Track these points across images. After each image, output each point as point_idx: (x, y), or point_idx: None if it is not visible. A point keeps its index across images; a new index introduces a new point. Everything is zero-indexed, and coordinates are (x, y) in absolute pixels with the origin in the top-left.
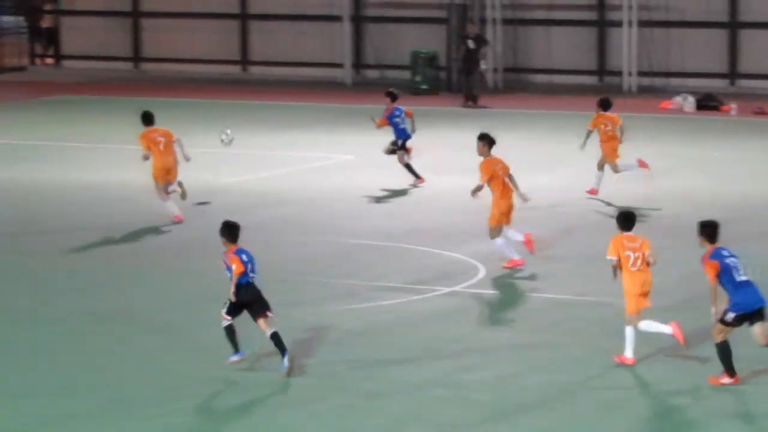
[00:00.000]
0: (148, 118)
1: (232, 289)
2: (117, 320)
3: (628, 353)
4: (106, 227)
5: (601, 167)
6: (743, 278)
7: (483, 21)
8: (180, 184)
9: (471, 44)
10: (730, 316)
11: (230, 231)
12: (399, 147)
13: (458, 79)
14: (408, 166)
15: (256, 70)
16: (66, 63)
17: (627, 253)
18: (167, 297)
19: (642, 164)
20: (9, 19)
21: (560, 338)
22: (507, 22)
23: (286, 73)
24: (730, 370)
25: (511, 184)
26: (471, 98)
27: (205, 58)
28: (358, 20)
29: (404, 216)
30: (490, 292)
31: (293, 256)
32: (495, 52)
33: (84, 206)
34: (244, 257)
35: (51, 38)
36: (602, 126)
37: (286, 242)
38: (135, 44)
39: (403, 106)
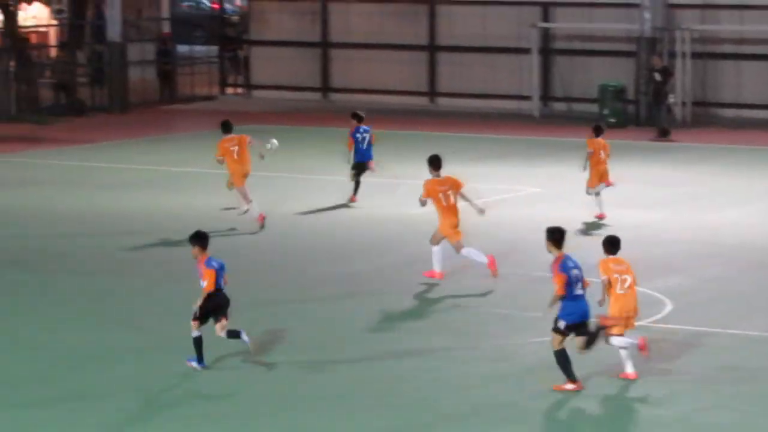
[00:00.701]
0: (226, 127)
1: (199, 302)
2: None
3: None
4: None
5: (597, 191)
6: (579, 292)
7: (672, 54)
8: (231, 183)
9: (657, 77)
10: (562, 324)
11: (201, 240)
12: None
13: (649, 112)
14: (357, 183)
15: (443, 102)
16: (256, 93)
17: (614, 276)
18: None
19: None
20: (201, 49)
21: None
22: (696, 55)
23: (474, 104)
24: (570, 377)
25: (469, 202)
26: (663, 133)
27: (393, 89)
28: (547, 53)
29: (591, 249)
30: (678, 326)
31: (476, 287)
32: (684, 86)
33: (275, 236)
34: (215, 264)
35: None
36: (597, 150)
37: (469, 273)
38: (324, 74)
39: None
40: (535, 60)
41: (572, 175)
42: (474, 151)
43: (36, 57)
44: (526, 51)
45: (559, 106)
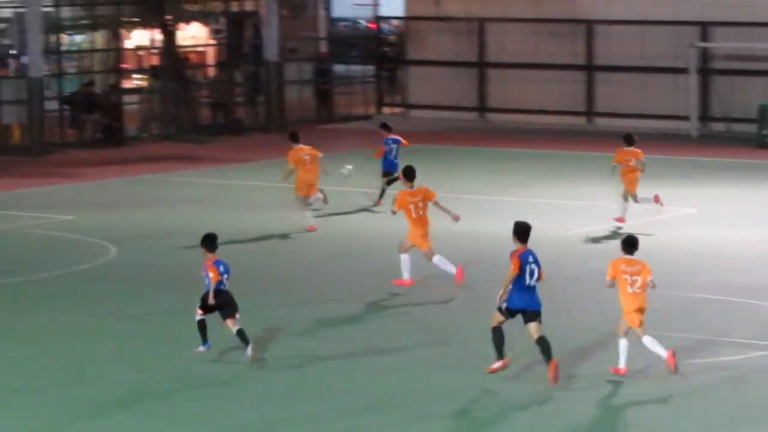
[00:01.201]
0: (294, 137)
1: (212, 294)
2: None
3: (621, 364)
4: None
5: (625, 198)
6: (530, 284)
7: None
8: (321, 191)
9: None
10: (504, 306)
11: (210, 242)
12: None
13: None
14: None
15: (601, 122)
16: (413, 112)
17: (624, 276)
18: None
19: (656, 200)
20: (357, 68)
21: None
22: None
23: (631, 124)
24: (499, 354)
25: (443, 210)
26: None
27: (549, 109)
28: (705, 72)
29: (748, 271)
30: None
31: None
32: None
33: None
34: (221, 268)
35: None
36: (625, 160)
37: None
38: (480, 94)
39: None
40: (693, 80)
41: (729, 195)
42: None
43: (194, 76)
44: (683, 71)
45: (718, 127)
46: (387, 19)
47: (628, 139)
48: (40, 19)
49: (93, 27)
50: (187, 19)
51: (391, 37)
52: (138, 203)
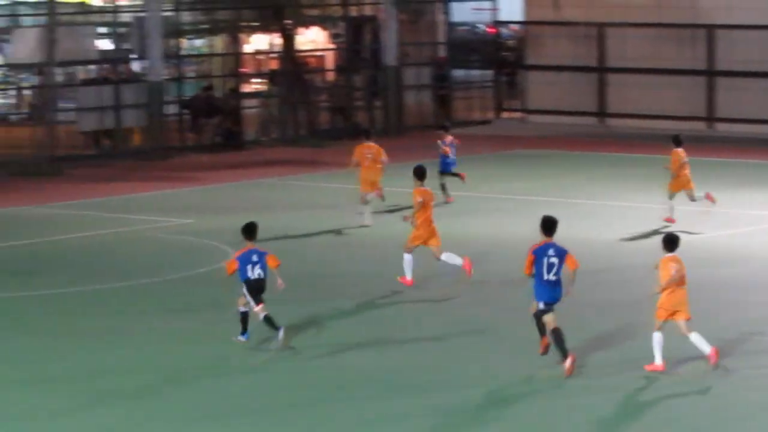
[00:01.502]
0: (366, 134)
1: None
2: None
3: (658, 360)
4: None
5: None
6: (549, 278)
7: None
8: (380, 189)
9: None
10: (540, 304)
11: (247, 231)
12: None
13: None
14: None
15: (722, 127)
16: (532, 117)
17: (673, 273)
18: None
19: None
20: (476, 73)
21: None
22: None
23: (754, 130)
24: (542, 334)
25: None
26: None
27: (669, 114)
28: None
29: None
30: None
31: (754, 317)
32: None
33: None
34: (255, 257)
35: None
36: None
37: (749, 301)
38: (600, 99)
39: None
40: None
41: None
42: (748, 176)
43: (313, 81)
44: None
45: None
46: (506, 23)
47: (677, 141)
48: (160, 23)
49: (212, 31)
50: (307, 23)
51: (510, 42)
52: (256, 207)
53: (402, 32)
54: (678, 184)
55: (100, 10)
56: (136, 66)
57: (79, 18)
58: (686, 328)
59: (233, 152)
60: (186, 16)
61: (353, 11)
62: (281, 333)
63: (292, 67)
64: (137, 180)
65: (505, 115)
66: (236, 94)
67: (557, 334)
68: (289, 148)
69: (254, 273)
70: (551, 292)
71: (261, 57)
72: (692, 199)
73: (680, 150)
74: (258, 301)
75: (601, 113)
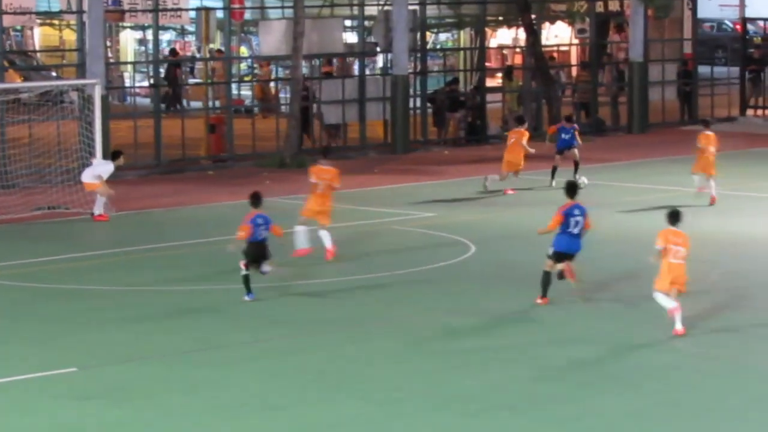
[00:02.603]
0: (520, 120)
1: (231, 246)
2: None
3: (678, 326)
4: None
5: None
6: (573, 231)
7: None
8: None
9: None
10: (550, 251)
11: (254, 198)
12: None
13: None
14: (554, 168)
15: None
16: None
17: (671, 246)
18: None
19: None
20: (722, 70)
21: None
22: None
23: None
24: (543, 294)
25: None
26: None
27: None
28: None
29: None
30: None
31: None
32: None
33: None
34: (260, 220)
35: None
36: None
37: None
38: None
39: None
40: None
41: None
42: None
43: (558, 76)
44: None
45: None
46: (753, 20)
47: (705, 123)
48: (406, 17)
49: (458, 25)
50: (553, 18)
51: (757, 39)
52: (498, 202)
53: (649, 28)
54: (699, 166)
55: (348, 3)
56: (380, 59)
57: (326, 11)
58: (674, 297)
59: (476, 147)
60: (432, 10)
61: (599, 7)
62: (247, 297)
63: (537, 61)
64: (381, 173)
65: (750, 112)
66: (480, 88)
67: (560, 276)
68: (533, 143)
69: (259, 236)
70: (572, 244)
71: (506, 52)
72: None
73: (708, 134)
74: (256, 262)
75: None
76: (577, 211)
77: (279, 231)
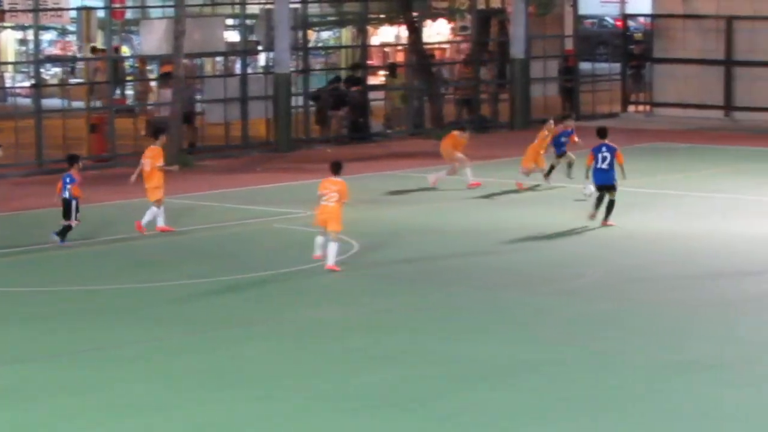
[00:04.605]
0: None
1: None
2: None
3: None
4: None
5: None
6: (602, 166)
7: None
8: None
9: None
10: (593, 186)
11: (69, 159)
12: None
13: None
14: (551, 168)
15: None
16: (658, 110)
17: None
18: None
19: None
20: (603, 66)
21: None
22: None
23: None
24: (595, 209)
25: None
26: None
27: None
28: None
29: None
30: None
31: None
32: None
33: (687, 254)
34: (67, 179)
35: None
36: None
37: None
38: (727, 93)
39: None
40: None
41: None
42: None
43: (439, 73)
44: None
45: None
46: (634, 16)
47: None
48: (288, 15)
49: (340, 23)
50: (434, 15)
51: (638, 35)
52: (381, 200)
53: (530, 25)
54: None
55: (229, 2)
56: (262, 58)
57: (207, 9)
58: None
59: (359, 145)
60: (313, 8)
61: (481, 4)
62: (54, 236)
63: (418, 59)
64: (263, 172)
65: (631, 108)
66: (362, 86)
67: (612, 204)
68: (415, 140)
69: (63, 194)
70: (604, 177)
71: (387, 49)
72: None
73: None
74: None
75: (729, 107)
76: (604, 148)
77: (77, 192)
